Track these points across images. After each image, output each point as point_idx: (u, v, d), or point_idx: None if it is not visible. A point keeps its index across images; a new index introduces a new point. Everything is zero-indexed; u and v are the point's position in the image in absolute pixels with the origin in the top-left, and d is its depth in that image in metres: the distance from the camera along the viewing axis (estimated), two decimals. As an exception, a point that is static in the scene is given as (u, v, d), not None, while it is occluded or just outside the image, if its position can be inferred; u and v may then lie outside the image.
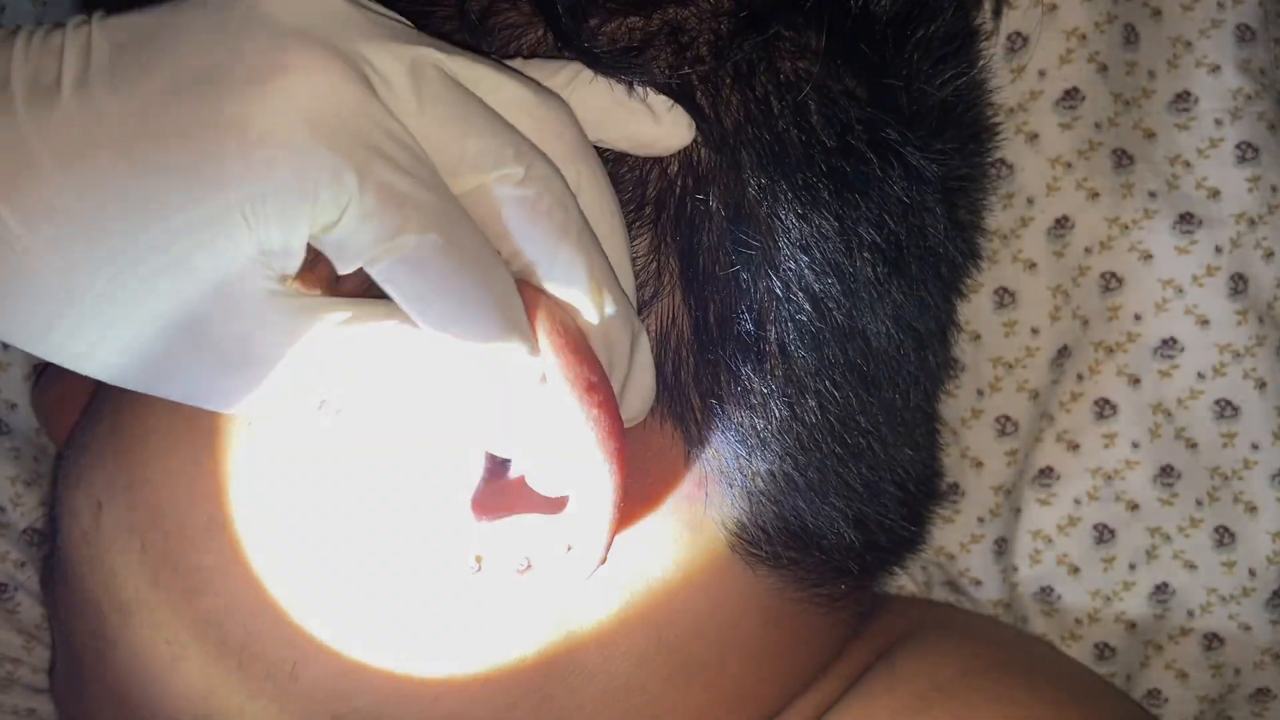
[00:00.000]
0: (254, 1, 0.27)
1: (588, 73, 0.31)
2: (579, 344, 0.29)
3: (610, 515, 0.30)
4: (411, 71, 0.28)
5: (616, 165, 0.32)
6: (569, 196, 0.29)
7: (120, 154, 0.26)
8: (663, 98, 0.32)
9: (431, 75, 0.28)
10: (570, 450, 0.29)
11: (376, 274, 0.27)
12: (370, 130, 0.27)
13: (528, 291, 0.29)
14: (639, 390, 0.31)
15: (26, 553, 0.47)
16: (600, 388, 0.29)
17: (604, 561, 0.30)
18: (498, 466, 0.32)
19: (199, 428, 0.34)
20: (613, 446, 0.29)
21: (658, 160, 0.33)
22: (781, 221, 0.33)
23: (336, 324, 0.28)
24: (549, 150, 0.30)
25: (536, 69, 0.31)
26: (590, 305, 0.29)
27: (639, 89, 0.32)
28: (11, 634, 0.47)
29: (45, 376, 0.44)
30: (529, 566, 0.31)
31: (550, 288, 0.29)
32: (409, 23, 0.29)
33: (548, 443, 0.30)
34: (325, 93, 0.27)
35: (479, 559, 0.31)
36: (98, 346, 0.27)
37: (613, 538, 0.30)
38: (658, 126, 0.32)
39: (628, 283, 0.31)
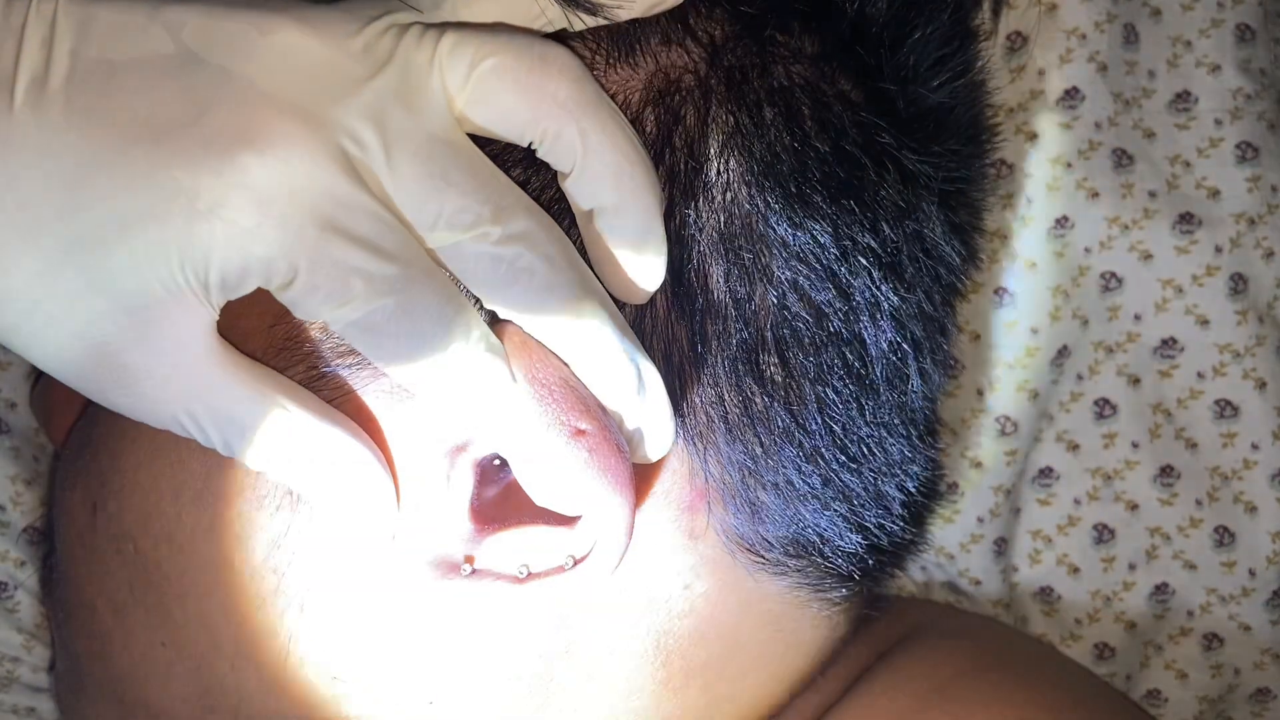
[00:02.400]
0: (231, 57, 0.27)
1: None
2: (561, 391, 0.29)
3: (623, 540, 0.30)
4: (386, 131, 0.28)
5: None
6: (558, 246, 0.29)
7: (67, 189, 0.27)
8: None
9: (411, 133, 0.28)
10: (574, 485, 0.30)
11: (332, 328, 0.28)
12: (327, 206, 0.27)
13: (506, 338, 0.30)
14: (654, 432, 0.31)
15: (26, 552, 0.47)
16: (591, 433, 0.29)
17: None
18: (493, 469, 0.32)
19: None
20: (612, 483, 0.30)
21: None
22: (775, 230, 0.33)
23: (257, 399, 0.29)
24: (544, 114, 0.29)
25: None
26: (585, 360, 0.30)
27: None
28: (12, 633, 0.47)
29: (45, 376, 0.44)
30: (528, 575, 0.31)
31: (540, 339, 0.30)
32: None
33: (551, 479, 0.30)
34: (283, 169, 0.27)
35: (470, 559, 0.31)
36: (33, 347, 0.28)
37: (623, 557, 0.31)
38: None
39: (655, 241, 0.30)
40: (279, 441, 0.29)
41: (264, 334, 0.31)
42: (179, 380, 0.29)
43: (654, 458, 0.32)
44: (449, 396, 0.29)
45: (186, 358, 0.28)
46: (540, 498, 0.31)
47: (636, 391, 0.30)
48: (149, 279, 0.27)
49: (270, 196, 0.27)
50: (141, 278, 0.27)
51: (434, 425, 0.31)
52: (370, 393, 0.31)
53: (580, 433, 0.29)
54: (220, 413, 0.29)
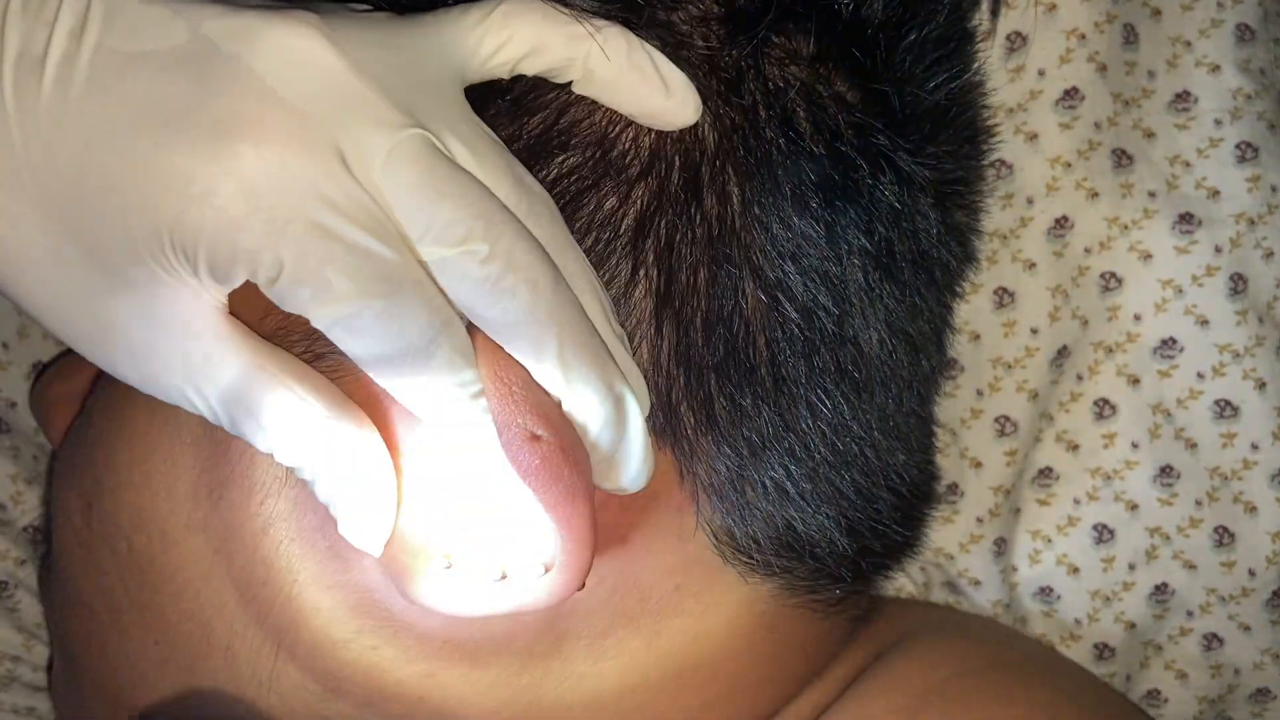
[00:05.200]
0: (243, 53, 0.28)
1: (612, 30, 0.31)
2: (521, 394, 0.29)
3: (578, 551, 0.30)
4: (385, 139, 0.28)
5: (596, 186, 0.32)
6: (542, 269, 0.29)
7: (75, 168, 0.27)
8: (678, 72, 0.31)
9: (410, 146, 0.28)
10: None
11: (316, 325, 0.28)
12: (317, 204, 0.27)
13: (476, 334, 0.29)
14: (630, 459, 0.31)
15: (27, 550, 0.47)
16: (545, 440, 0.29)
17: (580, 589, 0.30)
18: None
19: (176, 430, 0.34)
20: (561, 493, 0.29)
21: (639, 176, 0.32)
22: (768, 232, 0.33)
23: (244, 370, 0.29)
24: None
25: (561, 26, 0.31)
26: (559, 380, 0.29)
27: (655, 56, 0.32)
28: (11, 632, 0.47)
29: (43, 377, 0.44)
30: (504, 577, 0.31)
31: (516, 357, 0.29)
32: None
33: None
34: (276, 163, 0.27)
35: (448, 557, 0.31)
36: (46, 319, 0.29)
37: (586, 573, 0.30)
38: (667, 100, 0.31)
39: (611, 330, 0.31)
40: (284, 424, 0.29)
41: (258, 324, 0.31)
42: (185, 358, 0.29)
43: (630, 490, 0.31)
44: (423, 405, 0.29)
45: (192, 337, 0.29)
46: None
47: (612, 422, 0.30)
48: (145, 260, 0.28)
49: (260, 188, 0.27)
50: (138, 259, 0.28)
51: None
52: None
53: (535, 439, 0.29)
54: (227, 391, 0.29)
